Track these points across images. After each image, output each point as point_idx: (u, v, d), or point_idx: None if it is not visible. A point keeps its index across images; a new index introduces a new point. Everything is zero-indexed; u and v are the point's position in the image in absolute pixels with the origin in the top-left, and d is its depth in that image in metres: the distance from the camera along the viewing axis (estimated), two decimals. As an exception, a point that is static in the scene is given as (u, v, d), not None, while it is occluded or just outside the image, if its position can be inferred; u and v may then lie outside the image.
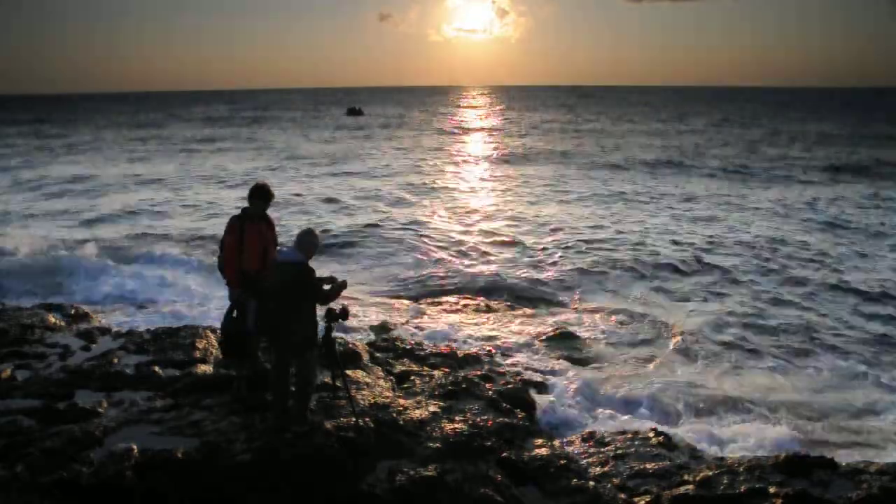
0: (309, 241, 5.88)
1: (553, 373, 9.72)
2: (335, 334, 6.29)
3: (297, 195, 26.65)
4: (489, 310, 13.24)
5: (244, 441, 5.88)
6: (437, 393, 7.48)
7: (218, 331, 9.04)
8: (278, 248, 6.06)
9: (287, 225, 19.03)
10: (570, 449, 7.14)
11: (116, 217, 22.55)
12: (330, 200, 25.86)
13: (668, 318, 12.69)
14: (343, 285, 6.02)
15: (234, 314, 6.70)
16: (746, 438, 8.12)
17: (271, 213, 7.10)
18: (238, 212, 6.84)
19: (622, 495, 6.04)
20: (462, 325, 12.01)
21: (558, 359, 10.35)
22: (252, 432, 6.01)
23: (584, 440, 7.46)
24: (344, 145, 49.49)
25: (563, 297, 14.12)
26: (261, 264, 6.49)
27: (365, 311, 12.91)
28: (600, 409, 8.68)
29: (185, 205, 24.76)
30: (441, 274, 16.04)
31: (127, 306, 12.88)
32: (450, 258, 17.46)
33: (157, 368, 7.81)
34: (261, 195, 6.69)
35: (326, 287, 5.96)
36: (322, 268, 6.07)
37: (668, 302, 13.74)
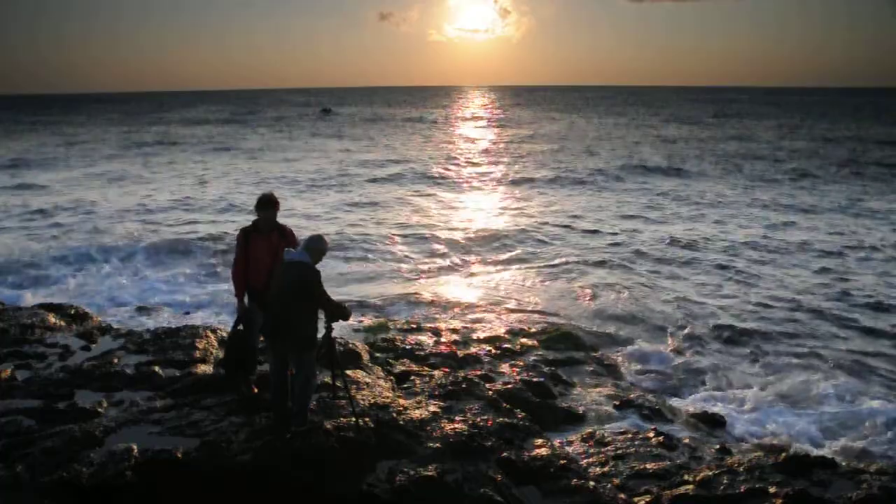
0: (316, 246, 5.91)
1: (554, 373, 9.71)
2: (335, 334, 6.29)
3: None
4: (489, 310, 13.25)
5: (244, 441, 5.87)
6: (437, 393, 7.48)
7: (225, 336, 9.07)
8: (286, 249, 6.03)
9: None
10: (570, 449, 7.14)
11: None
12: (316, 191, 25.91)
13: (672, 318, 12.71)
14: (348, 312, 6.05)
15: (240, 327, 6.70)
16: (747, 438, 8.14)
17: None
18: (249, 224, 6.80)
19: (622, 495, 6.04)
20: (462, 325, 12.02)
21: (559, 358, 10.34)
22: (252, 432, 6.01)
23: (584, 440, 7.46)
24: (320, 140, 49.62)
25: (563, 297, 14.13)
26: (268, 278, 6.40)
27: (365, 311, 12.92)
28: (601, 408, 8.70)
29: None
30: (441, 274, 16.06)
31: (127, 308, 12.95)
32: (449, 258, 17.47)
33: (157, 368, 7.79)
34: (265, 205, 6.60)
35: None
36: (322, 267, 6.07)
37: (672, 302, 13.73)
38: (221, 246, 18.09)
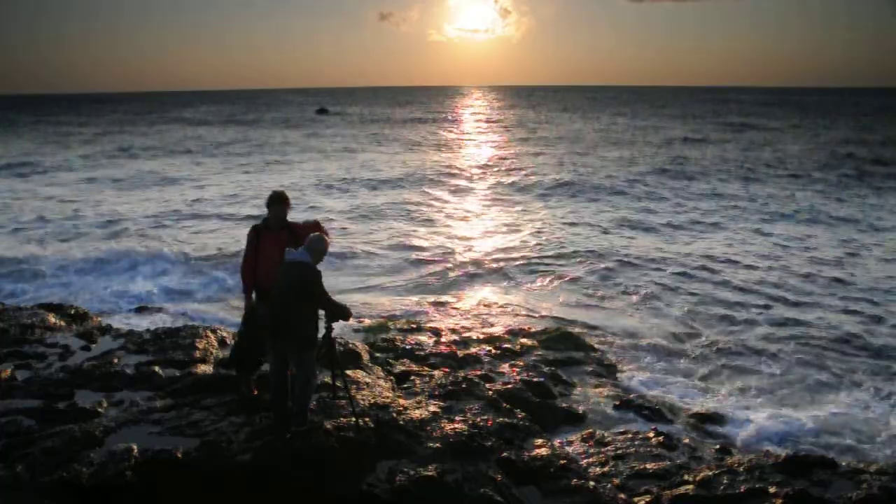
0: (317, 246, 5.92)
1: (554, 373, 9.71)
2: (335, 334, 6.29)
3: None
4: (490, 310, 13.25)
5: (244, 441, 5.88)
6: (437, 393, 7.48)
7: (225, 335, 9.09)
8: (287, 249, 6.03)
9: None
10: (570, 449, 7.14)
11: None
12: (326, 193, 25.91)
13: (673, 318, 12.71)
14: (348, 312, 6.05)
15: (246, 326, 6.69)
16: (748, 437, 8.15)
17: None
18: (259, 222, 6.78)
19: (622, 495, 6.04)
20: (462, 325, 12.01)
21: (559, 358, 10.34)
22: (252, 432, 6.01)
23: (584, 440, 7.46)
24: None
25: (564, 297, 14.13)
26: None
27: (365, 311, 12.92)
28: (601, 408, 8.70)
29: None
30: (441, 274, 16.05)
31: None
32: (449, 258, 17.47)
33: (157, 368, 7.80)
34: (275, 202, 6.56)
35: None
36: (323, 267, 6.07)
37: (673, 303, 13.72)
38: (221, 247, 18.10)
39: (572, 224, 21.63)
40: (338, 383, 6.60)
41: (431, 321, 12.30)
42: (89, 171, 35.24)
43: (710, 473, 6.43)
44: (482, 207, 25.12)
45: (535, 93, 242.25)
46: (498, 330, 11.67)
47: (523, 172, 34.16)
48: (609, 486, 6.14)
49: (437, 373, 8.53)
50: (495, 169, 36.08)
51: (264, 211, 6.80)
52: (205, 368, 7.93)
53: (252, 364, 6.95)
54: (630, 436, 7.46)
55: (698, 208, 24.19)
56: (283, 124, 73.95)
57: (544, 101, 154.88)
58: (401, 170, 34.92)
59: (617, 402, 8.85)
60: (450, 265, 16.81)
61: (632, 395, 9.11)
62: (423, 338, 10.93)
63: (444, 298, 13.96)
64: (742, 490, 6.11)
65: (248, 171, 34.82)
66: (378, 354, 9.41)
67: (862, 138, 51.69)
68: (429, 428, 6.39)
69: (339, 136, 57.91)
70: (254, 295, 6.64)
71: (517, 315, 12.90)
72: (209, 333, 9.13)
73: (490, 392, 7.76)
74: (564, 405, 8.57)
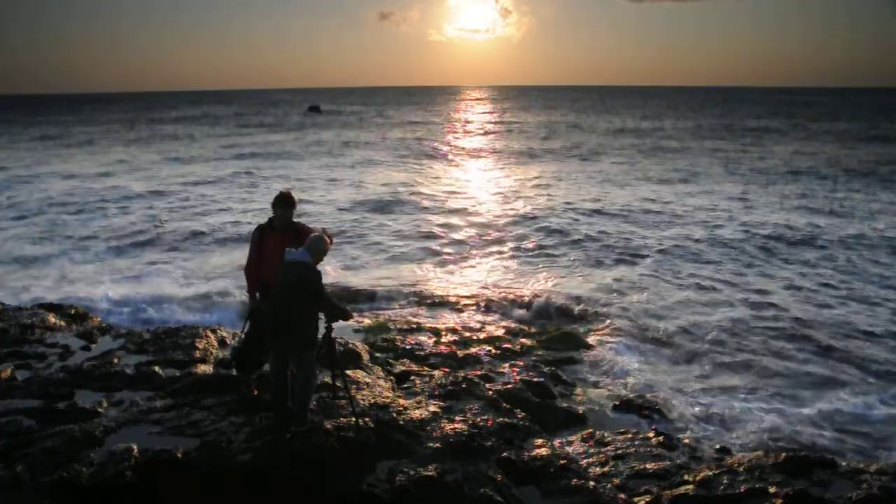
0: (317, 246, 5.91)
1: (554, 373, 9.71)
2: (335, 334, 6.28)
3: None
4: (490, 310, 13.24)
5: (244, 441, 5.87)
6: (437, 393, 7.48)
7: (225, 335, 9.08)
8: (287, 249, 6.01)
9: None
10: (570, 449, 7.14)
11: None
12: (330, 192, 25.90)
13: (674, 318, 12.70)
14: (348, 312, 6.06)
15: (247, 327, 6.68)
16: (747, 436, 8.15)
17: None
18: (265, 221, 6.77)
19: (622, 495, 6.04)
20: (462, 325, 12.01)
21: (559, 358, 10.34)
22: (252, 432, 6.00)
23: (584, 440, 7.46)
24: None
25: (564, 298, 14.11)
26: None
27: (365, 311, 12.92)
28: (601, 408, 8.70)
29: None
30: (442, 274, 16.05)
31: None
32: (450, 258, 17.46)
33: (157, 368, 7.79)
34: (281, 203, 6.55)
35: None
36: (323, 266, 6.06)
37: (675, 303, 13.72)
38: (219, 250, 18.11)
39: (575, 226, 21.62)
40: (338, 383, 6.60)
41: (431, 321, 12.30)
42: (91, 176, 35.21)
43: (710, 473, 6.42)
44: (484, 210, 25.08)
45: (534, 93, 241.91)
46: (498, 330, 11.67)
47: (523, 174, 34.15)
48: (609, 486, 6.13)
49: (437, 373, 8.53)
50: (494, 172, 36.08)
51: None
52: (205, 368, 7.92)
53: (252, 364, 6.94)
54: (630, 436, 7.46)
55: (701, 213, 24.17)
56: (269, 127, 71.90)
57: (545, 102, 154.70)
58: (391, 180, 34.59)
59: (617, 402, 8.84)
60: (450, 265, 16.80)
61: (632, 395, 9.11)
62: (423, 338, 10.93)
63: (444, 298, 13.95)
64: (742, 490, 6.10)
65: (240, 179, 34.08)
66: (378, 354, 9.41)
67: (861, 137, 51.68)
68: (429, 428, 6.38)
69: (327, 140, 56.58)
70: (258, 295, 6.63)
71: (517, 315, 12.90)
72: (209, 333, 9.12)
73: (490, 392, 7.76)
74: (564, 405, 8.57)
